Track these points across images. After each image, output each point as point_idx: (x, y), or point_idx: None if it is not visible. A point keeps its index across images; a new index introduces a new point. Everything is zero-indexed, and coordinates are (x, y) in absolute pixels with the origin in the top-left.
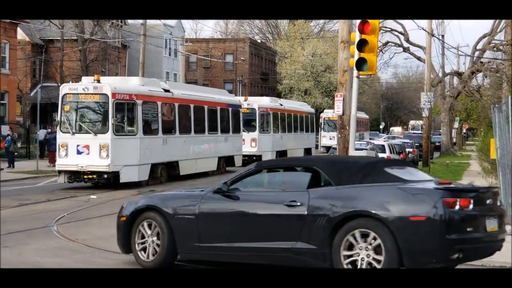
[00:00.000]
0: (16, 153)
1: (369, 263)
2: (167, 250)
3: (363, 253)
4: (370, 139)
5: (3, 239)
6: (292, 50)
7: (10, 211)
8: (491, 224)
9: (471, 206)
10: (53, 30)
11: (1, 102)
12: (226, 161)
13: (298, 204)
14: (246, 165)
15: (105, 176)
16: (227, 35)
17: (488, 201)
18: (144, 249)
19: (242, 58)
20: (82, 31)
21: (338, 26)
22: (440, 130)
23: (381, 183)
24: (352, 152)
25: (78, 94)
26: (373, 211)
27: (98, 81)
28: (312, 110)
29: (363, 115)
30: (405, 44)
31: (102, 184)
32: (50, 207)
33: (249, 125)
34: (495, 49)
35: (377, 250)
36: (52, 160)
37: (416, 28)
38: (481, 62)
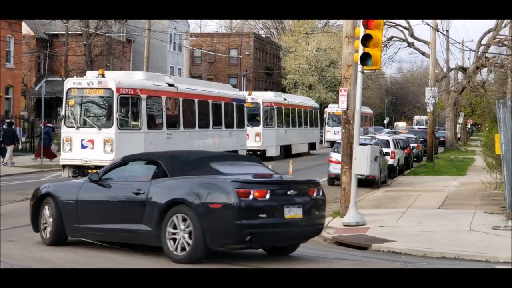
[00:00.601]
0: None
1: (185, 244)
2: (57, 230)
3: (181, 234)
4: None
5: (8, 233)
6: (296, 44)
7: (14, 206)
8: (292, 212)
9: (267, 196)
10: (57, 25)
11: (6, 96)
12: None
13: (142, 192)
14: None
15: None
16: (231, 29)
17: (290, 192)
18: (45, 229)
19: (246, 53)
20: (87, 25)
21: (342, 21)
22: (445, 125)
23: (200, 176)
24: (356, 147)
25: (82, 88)
26: (186, 199)
27: (103, 76)
28: (316, 105)
29: (367, 110)
30: (410, 39)
31: None
32: None
33: (254, 120)
34: (499, 44)
35: (191, 232)
36: (51, 156)
37: (420, 23)
38: (486, 57)
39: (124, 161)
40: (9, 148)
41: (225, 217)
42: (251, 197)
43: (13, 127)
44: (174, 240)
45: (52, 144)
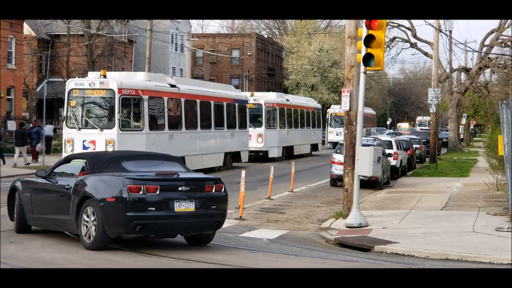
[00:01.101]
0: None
1: (92, 233)
2: (20, 220)
3: (90, 224)
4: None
5: (9, 234)
6: (298, 45)
7: None
8: (183, 206)
9: (157, 192)
10: (59, 25)
11: (8, 97)
12: (232, 157)
13: (69, 187)
14: (253, 160)
15: None
16: (233, 30)
17: (182, 188)
18: (14, 219)
19: (248, 53)
20: (89, 26)
21: (345, 21)
22: (448, 126)
23: (108, 173)
24: (359, 148)
25: (84, 89)
26: (93, 194)
27: (104, 76)
28: (319, 106)
29: (370, 110)
30: (413, 40)
31: None
32: None
33: (256, 121)
34: (503, 45)
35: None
36: (35, 156)
37: (423, 24)
38: (489, 58)
39: (67, 159)
40: (21, 149)
41: (118, 210)
42: (141, 192)
43: (24, 128)
44: (86, 229)
45: (38, 143)
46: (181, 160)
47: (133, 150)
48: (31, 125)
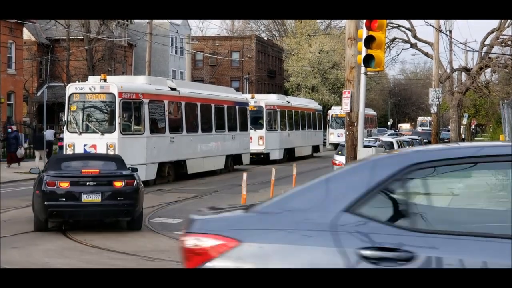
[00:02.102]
0: None
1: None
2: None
3: None
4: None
5: (12, 240)
6: (298, 47)
7: (18, 212)
8: (90, 198)
9: (68, 186)
10: (59, 30)
11: (8, 102)
12: (234, 159)
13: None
14: (254, 163)
15: None
16: (233, 32)
17: (90, 183)
18: None
19: (248, 56)
20: (88, 30)
21: (344, 22)
22: (449, 126)
23: (49, 172)
24: (360, 149)
25: (84, 93)
26: (35, 189)
27: (105, 81)
28: (320, 107)
29: (371, 111)
30: (413, 40)
31: None
32: None
33: (256, 123)
34: (503, 44)
35: None
36: (10, 161)
37: (423, 24)
38: (489, 58)
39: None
40: (41, 153)
41: (40, 200)
42: (55, 186)
43: (43, 132)
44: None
45: (18, 149)
46: (120, 159)
47: (82, 153)
48: (9, 130)
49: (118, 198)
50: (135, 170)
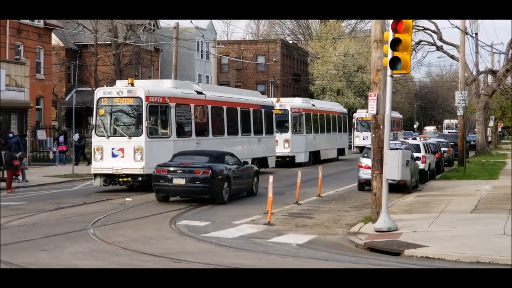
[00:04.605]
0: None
1: None
2: None
3: None
4: (405, 138)
5: (41, 242)
6: (323, 50)
7: (47, 215)
8: (178, 181)
9: (166, 172)
10: (87, 35)
11: (37, 107)
12: (259, 162)
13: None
14: (280, 166)
15: (140, 178)
16: (258, 36)
17: (178, 171)
18: None
19: (274, 59)
20: (116, 35)
21: (370, 25)
22: (475, 129)
23: None
24: (386, 152)
25: (112, 98)
26: None
27: (132, 85)
28: (345, 110)
29: (397, 114)
30: (438, 43)
31: (136, 187)
32: (86, 210)
33: (282, 126)
34: None
35: None
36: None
37: (449, 27)
38: None
39: None
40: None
41: (152, 181)
42: (160, 172)
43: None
44: None
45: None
46: (214, 156)
47: (193, 150)
48: (10, 134)
49: (196, 182)
50: (246, 163)
